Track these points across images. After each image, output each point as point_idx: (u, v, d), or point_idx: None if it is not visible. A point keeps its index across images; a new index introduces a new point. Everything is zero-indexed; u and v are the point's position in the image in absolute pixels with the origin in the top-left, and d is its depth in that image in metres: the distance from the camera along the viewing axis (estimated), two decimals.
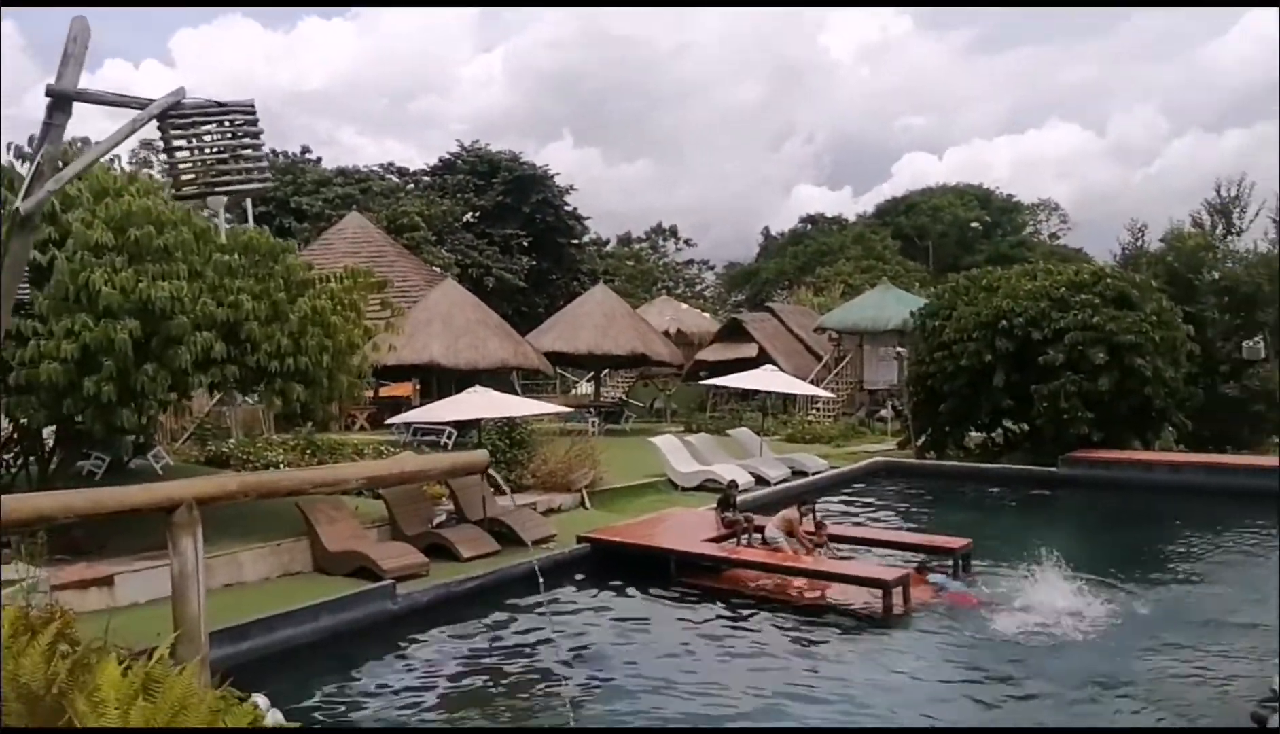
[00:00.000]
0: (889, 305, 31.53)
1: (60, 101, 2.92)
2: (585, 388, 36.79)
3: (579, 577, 12.18)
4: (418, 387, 30.07)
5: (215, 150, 3.13)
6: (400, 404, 28.10)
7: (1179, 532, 14.19)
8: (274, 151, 53.72)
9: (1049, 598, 10.17)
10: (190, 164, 3.12)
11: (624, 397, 35.91)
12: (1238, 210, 23.70)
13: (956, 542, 11.98)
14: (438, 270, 37.19)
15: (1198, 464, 17.66)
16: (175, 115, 3.08)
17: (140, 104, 3.07)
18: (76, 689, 3.42)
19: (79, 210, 11.40)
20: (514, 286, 48.50)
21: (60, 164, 3.02)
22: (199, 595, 5.01)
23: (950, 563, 11.77)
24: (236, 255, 12.16)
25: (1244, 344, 21.50)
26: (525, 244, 51.47)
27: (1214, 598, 10.83)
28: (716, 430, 22.84)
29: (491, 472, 7.70)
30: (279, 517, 12.41)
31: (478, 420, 20.67)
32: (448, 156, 55.13)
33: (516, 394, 23.68)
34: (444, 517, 14.03)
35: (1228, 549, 13.36)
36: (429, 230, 47.18)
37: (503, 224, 51.69)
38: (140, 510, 5.07)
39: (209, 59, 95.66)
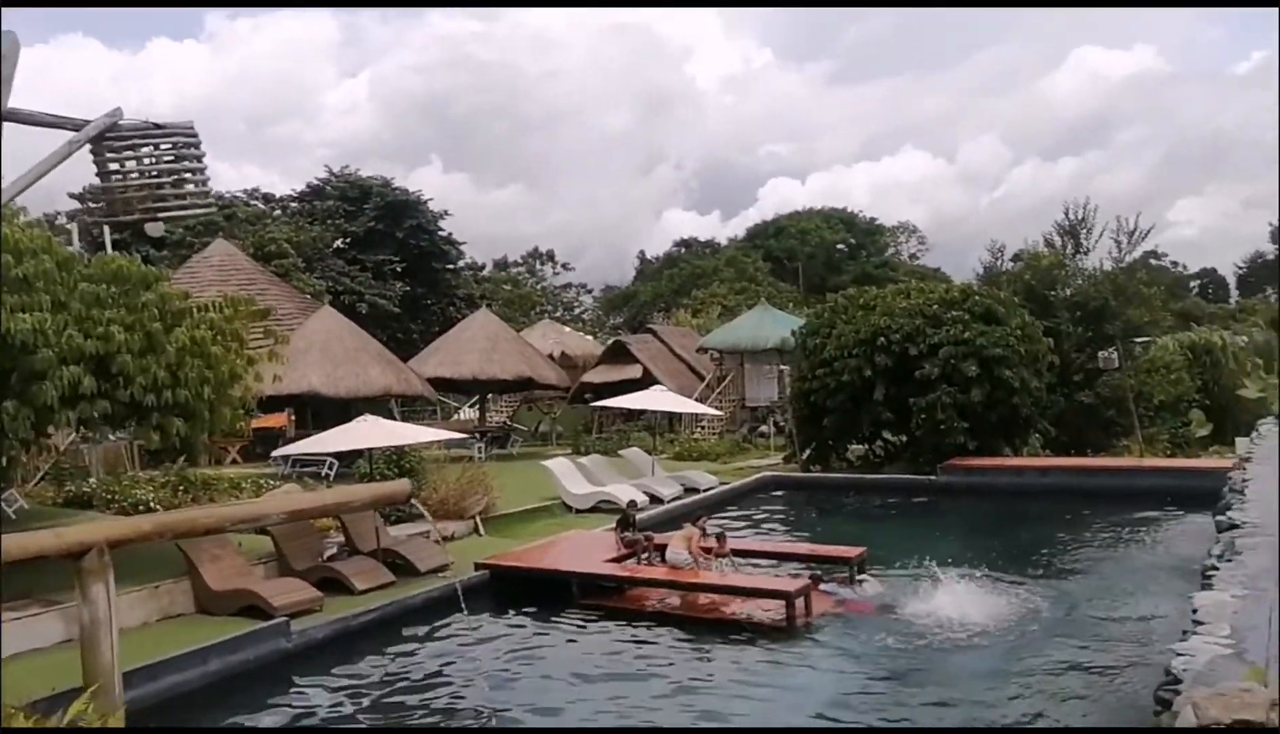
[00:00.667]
0: (767, 325, 32.32)
1: None
2: (468, 413, 36.22)
3: (479, 604, 11.95)
4: (292, 417, 28.99)
5: (155, 173, 2.95)
6: (274, 436, 27.04)
7: (1052, 530, 14.99)
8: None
9: (940, 601, 10.59)
10: (127, 188, 2.92)
11: (509, 421, 35.53)
12: (1084, 231, 25.40)
13: (851, 551, 12.31)
14: (309, 297, 36.06)
15: (1063, 468, 18.77)
16: (113, 136, 2.90)
17: (76, 125, 2.89)
18: None
19: None
20: (388, 312, 47.47)
21: None
22: (113, 644, 4.67)
23: (845, 572, 12.08)
24: (105, 285, 11.50)
25: (1100, 355, 22.98)
26: (399, 269, 50.53)
27: (1092, 591, 11.47)
28: (606, 451, 22.85)
29: (414, 500, 7.45)
30: (156, 557, 11.72)
31: (360, 451, 20.15)
32: (316, 182, 53.71)
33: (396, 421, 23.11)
34: (334, 550, 13.55)
35: (1098, 545, 14.19)
36: (298, 257, 45.76)
37: (375, 250, 50.60)
38: (46, 556, 4.70)
39: (49, 77, 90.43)
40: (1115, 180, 79.65)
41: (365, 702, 8.78)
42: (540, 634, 10.71)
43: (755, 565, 12.96)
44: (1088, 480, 17.75)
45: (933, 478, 19.10)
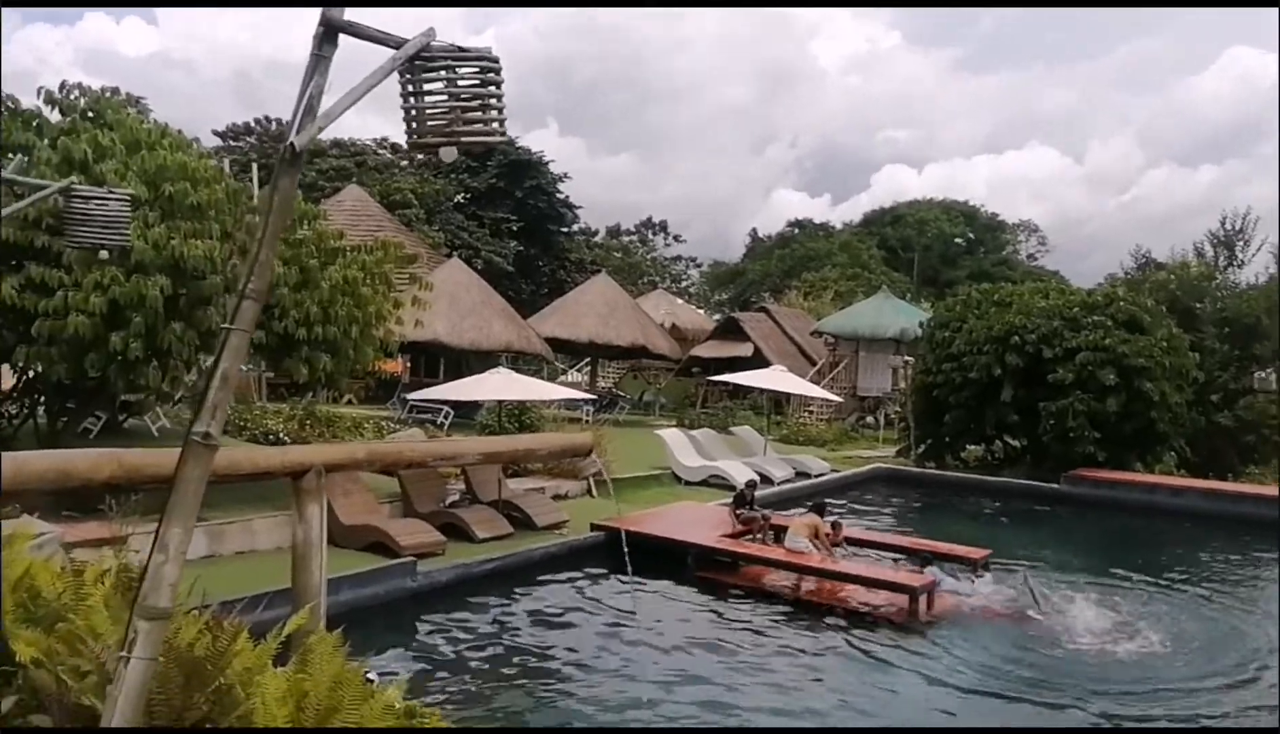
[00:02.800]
0: (888, 313, 31.66)
1: (330, 32, 2.75)
2: (574, 376, 36.61)
3: (593, 564, 12.06)
4: (407, 363, 29.75)
5: (459, 97, 2.96)
6: (390, 381, 27.80)
7: (1184, 553, 14.32)
8: (266, 118, 53.14)
9: (1068, 610, 10.24)
10: (438, 110, 2.95)
11: (615, 388, 35.77)
12: (1241, 244, 24.00)
13: (977, 552, 11.98)
14: (434, 248, 36.86)
15: (1200, 490, 17.83)
16: (425, 56, 2.92)
17: (396, 43, 2.90)
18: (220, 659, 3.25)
19: (111, 162, 11.08)
20: (502, 270, 48.21)
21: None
22: (321, 565, 4.82)
23: (971, 572, 11.77)
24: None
25: (1257, 375, 21.77)
26: (515, 228, 51.23)
27: (1232, 619, 10.91)
28: (714, 427, 22.77)
29: (597, 457, 7.50)
30: (288, 486, 12.16)
31: (478, 402, 20.54)
32: None
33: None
34: (456, 496, 13.85)
35: (1237, 576, 13.48)
36: (420, 208, 46.82)
37: (494, 207, 51.40)
38: (273, 473, 4.88)
39: (192, 22, 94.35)
40: (1256, 193, 75.10)
41: (482, 649, 8.94)
42: (660, 600, 10.73)
43: (870, 557, 12.73)
44: (1228, 506, 16.82)
45: (1057, 486, 18.42)
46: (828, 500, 13.29)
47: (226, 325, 2.75)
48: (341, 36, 2.82)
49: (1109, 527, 16.74)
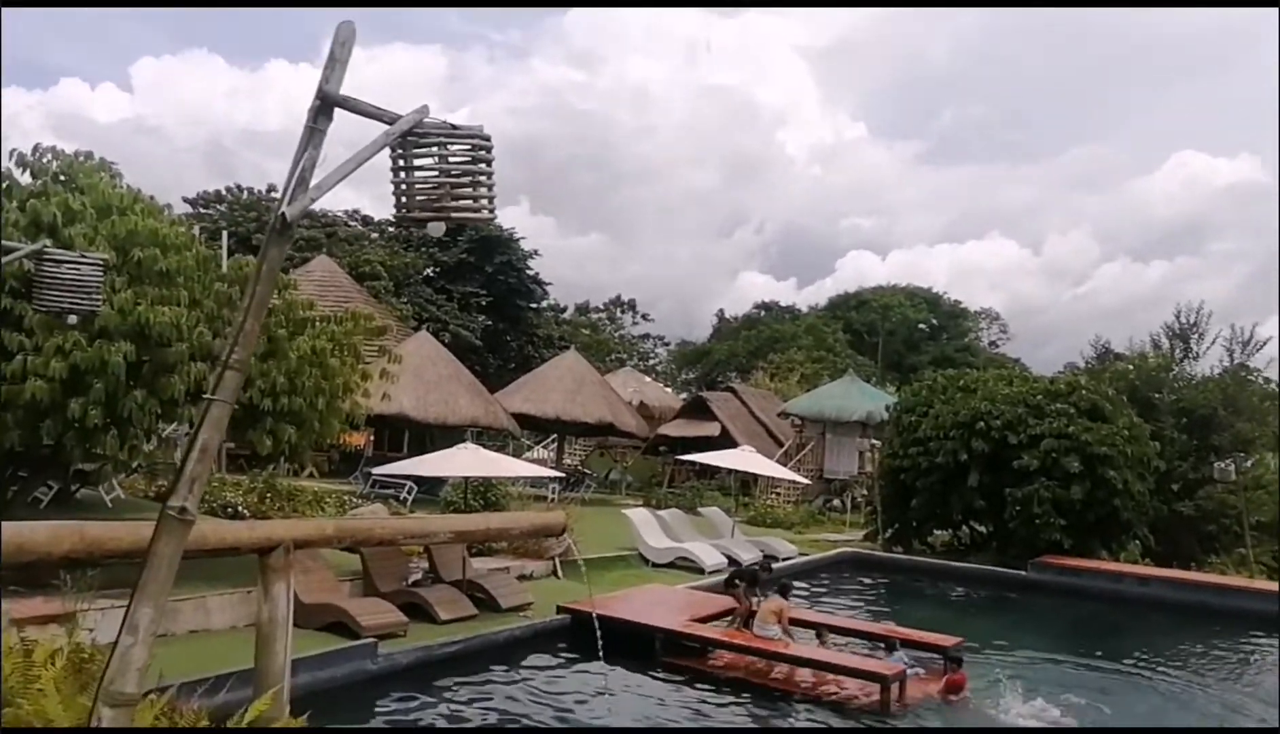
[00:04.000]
0: (854, 396, 31.89)
1: (325, 106, 2.72)
2: (540, 453, 36.31)
3: (558, 648, 11.78)
4: (370, 437, 29.34)
5: (450, 174, 2.94)
6: (351, 454, 27.35)
7: (1153, 643, 14.23)
8: (238, 187, 53.18)
9: (1040, 703, 10.13)
10: (428, 185, 2.92)
11: (581, 465, 35.49)
12: (1195, 336, 24.57)
13: (948, 640, 11.83)
14: (402, 320, 36.74)
15: (1166, 579, 17.90)
16: (418, 132, 2.89)
17: (390, 118, 2.89)
18: None
19: (81, 225, 10.93)
20: (469, 344, 48.11)
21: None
22: (286, 646, 4.61)
23: (940, 660, 11.61)
24: (238, 287, 11.79)
25: (1217, 465, 22.06)
26: (484, 303, 51.32)
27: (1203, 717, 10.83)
28: (686, 507, 22.59)
29: (568, 536, 7.34)
30: (245, 562, 11.80)
31: (442, 478, 20.22)
32: None
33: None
34: (419, 575, 13.51)
35: (1207, 667, 13.42)
36: (389, 280, 46.83)
37: (463, 281, 51.55)
38: (239, 550, 4.69)
39: (168, 89, 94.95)
40: (1205, 288, 77.35)
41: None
42: (625, 687, 10.45)
43: (847, 641, 12.54)
44: (1191, 595, 16.87)
45: (1024, 573, 18.40)
46: (785, 584, 13.05)
47: (208, 396, 2.65)
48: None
49: (1077, 614, 16.70)
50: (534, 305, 56.76)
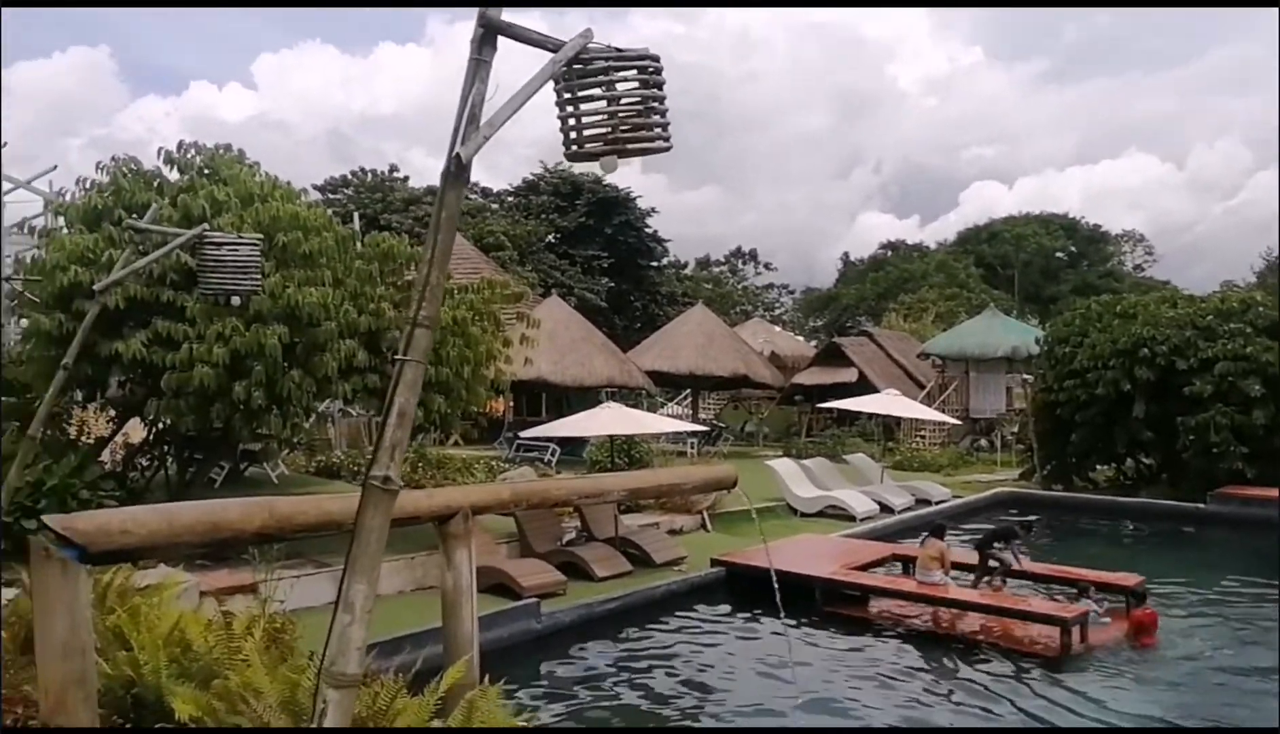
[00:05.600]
0: (997, 332, 30.54)
1: (489, 34, 2.53)
2: (674, 408, 36.31)
3: (715, 601, 11.68)
4: (510, 403, 29.91)
5: (629, 100, 2.72)
6: (494, 421, 27.94)
7: None
8: (362, 170, 54.81)
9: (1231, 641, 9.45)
10: (596, 117, 2.72)
11: (716, 419, 35.35)
12: None
13: (1130, 578, 11.15)
14: (530, 288, 37.21)
15: None
16: (583, 60, 2.68)
17: (554, 46, 2.68)
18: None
19: (228, 215, 11.30)
20: (595, 307, 48.41)
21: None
22: (473, 612, 4.60)
23: (1122, 601, 10.96)
24: (376, 264, 12.01)
25: None
26: (606, 265, 51.50)
27: None
28: (829, 455, 22.13)
29: (741, 489, 7.17)
30: (406, 530, 12.12)
31: (584, 439, 20.41)
32: (531, 178, 55.56)
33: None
34: (572, 535, 13.64)
35: None
36: (513, 249, 47.48)
37: (584, 245, 51.82)
38: (419, 518, 4.71)
39: (288, 83, 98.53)
40: None
41: (619, 691, 8.63)
42: (792, 637, 10.24)
43: (1022, 586, 11.97)
44: None
45: (1202, 506, 17.22)
46: (941, 525, 12.50)
47: (400, 356, 2.52)
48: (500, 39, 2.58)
49: (1265, 546, 15.52)
50: (655, 264, 56.64)
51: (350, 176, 54.34)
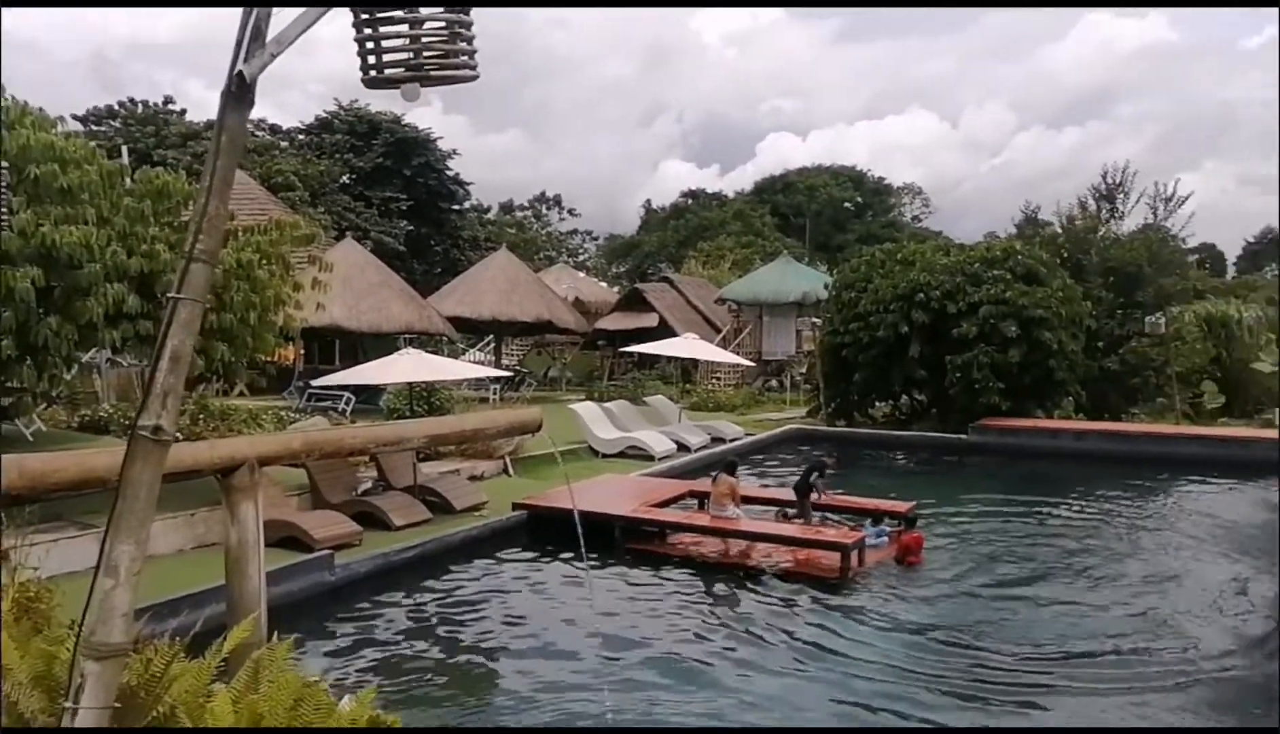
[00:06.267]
0: (790, 278, 31.97)
1: None
2: (476, 355, 35.89)
3: (517, 545, 11.77)
4: (301, 351, 28.57)
5: (435, 26, 2.55)
6: (283, 369, 26.62)
7: (1094, 493, 14.78)
8: (132, 101, 50.11)
9: (985, 556, 10.50)
10: (402, 42, 2.54)
11: (520, 365, 35.23)
12: (1121, 196, 25.03)
13: (903, 505, 12.12)
14: (323, 231, 35.47)
15: (1100, 432, 18.56)
16: None
17: None
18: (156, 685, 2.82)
19: None
20: (393, 251, 46.86)
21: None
22: (260, 568, 4.36)
23: (898, 524, 11.88)
24: (149, 201, 11.07)
25: (1148, 320, 22.69)
26: (404, 208, 49.87)
27: (1147, 552, 11.34)
28: (630, 398, 22.56)
29: (546, 434, 7.08)
30: (188, 485, 11.42)
31: (380, 387, 19.84)
32: (324, 115, 52.70)
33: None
34: (369, 484, 13.28)
35: (1143, 510, 14.03)
36: (305, 190, 45.05)
37: (382, 187, 49.94)
38: (200, 470, 4.37)
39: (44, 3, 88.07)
40: (1117, 152, 79.00)
41: (415, 640, 8.54)
42: (592, 574, 10.46)
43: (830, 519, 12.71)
44: (1126, 446, 17.54)
45: (964, 437, 18.88)
46: (733, 461, 13.12)
47: (173, 295, 2.32)
48: None
49: (1017, 472, 17.25)
50: (456, 207, 55.39)
51: (118, 107, 49.61)
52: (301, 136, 53.12)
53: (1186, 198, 25.32)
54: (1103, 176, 25.47)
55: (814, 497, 12.23)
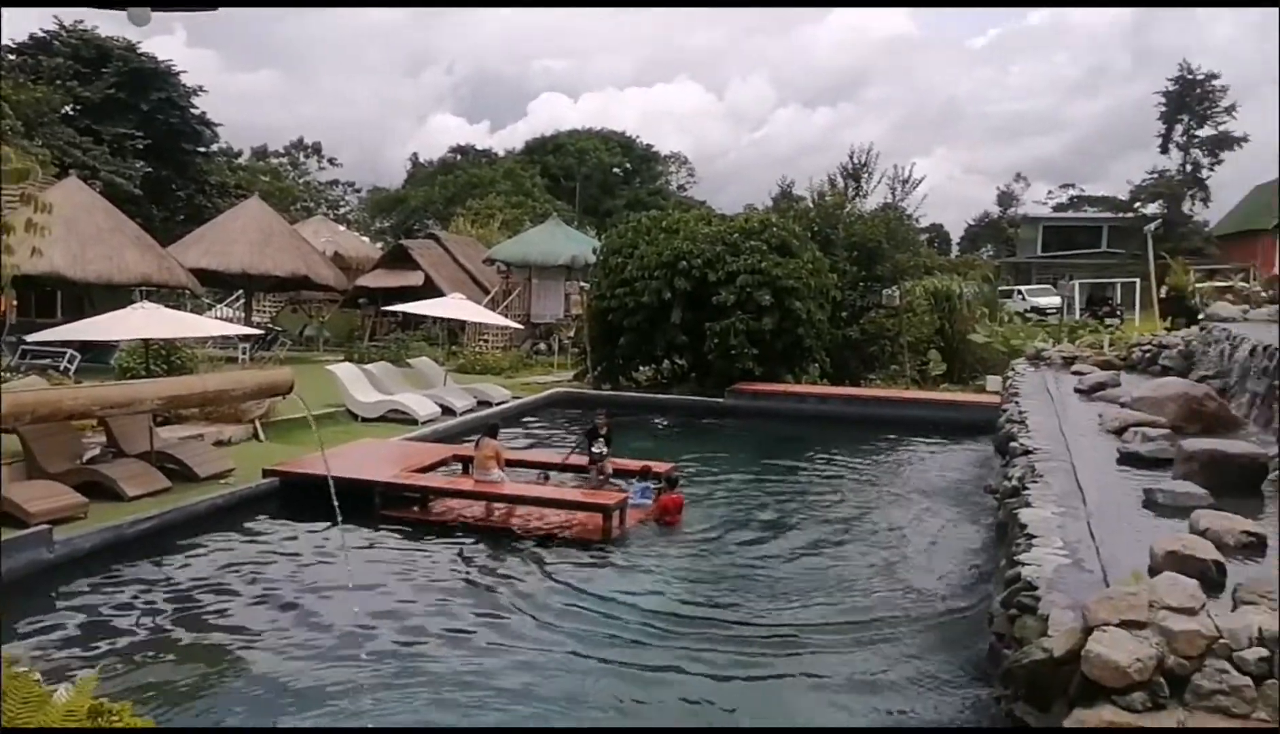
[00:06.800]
0: (559, 240, 31.96)
1: None
2: (225, 311, 33.39)
3: (267, 514, 11.18)
4: (13, 302, 25.50)
5: None
6: None
7: (835, 452, 15.91)
8: None
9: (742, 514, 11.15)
10: None
11: (271, 322, 33.17)
12: (866, 175, 26.91)
13: (663, 466, 12.50)
14: (41, 167, 31.60)
15: (841, 396, 19.96)
16: None
17: None
18: None
19: None
20: (127, 194, 42.43)
21: None
22: None
23: (660, 483, 12.25)
24: None
25: (885, 292, 24.54)
26: (141, 147, 45.37)
27: (882, 507, 12.38)
28: (392, 359, 21.81)
29: (298, 394, 6.53)
30: None
31: (112, 344, 18.12)
32: (42, 34, 46.81)
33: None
34: (97, 451, 12.10)
35: (880, 466, 15.31)
36: (16, 119, 39.91)
37: (114, 121, 45.07)
38: None
39: None
40: (860, 133, 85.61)
41: (144, 620, 7.91)
42: (348, 542, 10.07)
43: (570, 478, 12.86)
44: (863, 409, 18.98)
45: (721, 400, 19.75)
46: (494, 425, 13.08)
47: None
48: None
49: (768, 432, 18.28)
50: (202, 149, 50.99)
51: None
52: (13, 56, 46.92)
53: (920, 181, 27.70)
54: (850, 156, 27.29)
55: (596, 459, 12.36)
